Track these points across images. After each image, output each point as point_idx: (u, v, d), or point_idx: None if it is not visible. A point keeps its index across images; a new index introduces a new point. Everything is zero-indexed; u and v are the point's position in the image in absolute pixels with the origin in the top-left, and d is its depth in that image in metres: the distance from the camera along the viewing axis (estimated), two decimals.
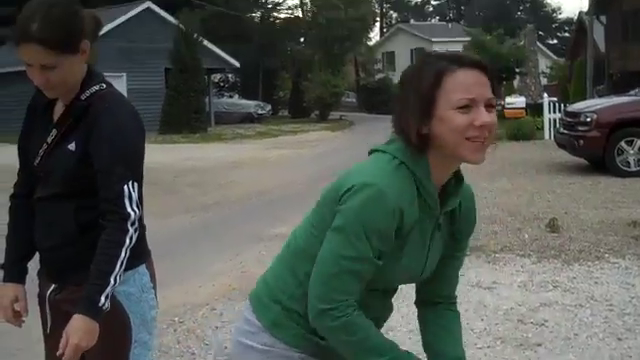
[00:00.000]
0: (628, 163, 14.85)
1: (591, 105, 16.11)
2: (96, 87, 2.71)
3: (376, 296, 2.25)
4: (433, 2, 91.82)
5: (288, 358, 2.24)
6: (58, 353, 2.58)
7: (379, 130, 33.50)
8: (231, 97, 47.94)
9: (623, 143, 14.79)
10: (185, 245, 9.53)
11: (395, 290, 2.37)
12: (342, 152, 23.23)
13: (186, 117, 32.19)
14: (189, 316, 6.29)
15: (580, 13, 49.90)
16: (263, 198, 13.85)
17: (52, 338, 2.80)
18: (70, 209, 2.70)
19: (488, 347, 5.45)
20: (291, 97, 47.92)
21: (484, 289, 6.91)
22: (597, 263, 7.76)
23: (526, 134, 24.22)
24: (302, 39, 51.79)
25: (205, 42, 34.66)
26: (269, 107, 44.36)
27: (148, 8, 35.14)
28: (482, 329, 5.82)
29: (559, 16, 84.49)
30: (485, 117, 2.07)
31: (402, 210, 2.07)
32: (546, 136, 24.28)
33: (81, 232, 2.70)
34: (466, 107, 2.07)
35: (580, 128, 15.14)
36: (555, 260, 7.93)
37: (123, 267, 2.63)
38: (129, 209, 2.63)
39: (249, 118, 40.74)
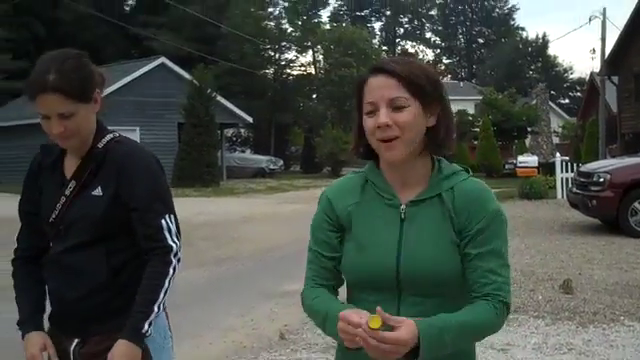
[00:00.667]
0: None
1: (604, 165, 16.09)
2: (110, 135, 2.86)
3: (368, 294, 2.26)
4: (445, 61, 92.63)
5: None
6: None
7: None
8: (243, 152, 48.19)
9: (637, 204, 14.73)
10: (198, 299, 9.48)
11: (390, 291, 2.24)
12: None
13: (199, 171, 32.32)
14: None
15: (592, 73, 50.20)
16: (275, 254, 13.81)
17: None
18: (101, 254, 2.77)
19: None
20: (303, 152, 48.12)
21: (497, 351, 6.82)
22: (612, 326, 7.66)
23: (538, 193, 24.17)
24: (314, 95, 52.17)
25: (219, 97, 34.96)
26: (281, 162, 44.52)
27: (162, 63, 35.55)
28: None
29: (570, 76, 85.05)
30: (382, 118, 2.16)
31: (330, 200, 2.36)
32: (558, 195, 24.20)
33: (113, 276, 2.78)
34: (370, 112, 2.20)
35: (593, 188, 15.10)
36: (569, 322, 7.83)
37: (166, 297, 2.77)
38: (170, 241, 2.79)
39: (261, 173, 40.87)
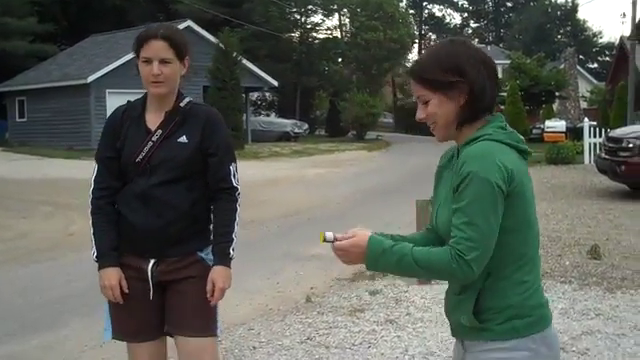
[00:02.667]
0: None
1: (634, 131, 15.90)
2: (188, 98, 3.61)
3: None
4: (472, 25, 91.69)
5: None
6: (208, 296, 3.46)
7: (416, 151, 33.46)
8: (268, 115, 48.12)
9: None
10: None
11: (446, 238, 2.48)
12: (378, 173, 23.18)
13: None
14: (226, 335, 6.25)
15: (621, 38, 49.46)
16: (299, 217, 13.83)
17: (153, 304, 3.52)
18: (184, 189, 3.46)
19: None
20: (328, 116, 47.99)
21: None
22: None
23: (566, 158, 23.98)
24: (340, 59, 51.89)
25: (244, 61, 34.86)
26: (306, 126, 44.42)
27: (188, 26, 35.45)
28: None
29: (600, 40, 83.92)
30: (418, 114, 2.56)
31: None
32: (586, 160, 24.01)
33: (191, 207, 3.47)
34: None
35: (622, 154, 14.95)
36: (597, 287, 7.78)
37: (238, 227, 3.54)
38: (235, 183, 3.57)
39: (286, 137, 40.83)
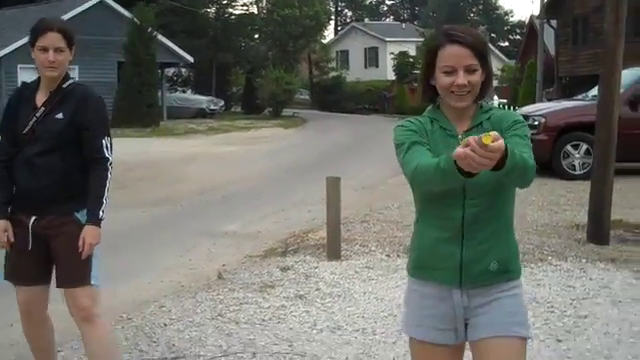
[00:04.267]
0: (574, 166, 15.14)
1: (540, 109, 16.38)
2: (71, 80, 4.27)
3: (439, 198, 2.93)
4: (388, 2, 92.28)
5: None
6: (80, 250, 4.05)
7: (332, 128, 33.72)
8: (184, 92, 47.69)
9: (569, 147, 15.08)
10: (134, 240, 9.54)
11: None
12: (294, 149, 23.31)
13: (138, 111, 31.96)
14: (137, 313, 6.31)
15: (531, 17, 50.51)
16: (215, 194, 13.87)
17: (31, 254, 4.19)
18: (58, 158, 4.10)
19: None
20: (244, 93, 47.83)
21: None
22: (540, 265, 7.91)
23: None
24: (256, 35, 51.68)
25: (159, 36, 34.46)
26: (222, 103, 44.21)
27: (102, 1, 34.83)
28: None
29: (511, 19, 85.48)
30: (461, 79, 2.87)
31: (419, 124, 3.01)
32: None
33: (64, 174, 4.10)
34: (448, 72, 2.90)
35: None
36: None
37: (109, 192, 4.13)
38: (107, 154, 4.16)
39: (201, 113, 40.57)
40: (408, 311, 3.12)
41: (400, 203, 11.78)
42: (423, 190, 2.94)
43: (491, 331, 2.95)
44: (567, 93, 35.86)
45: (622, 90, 15.76)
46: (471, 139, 2.50)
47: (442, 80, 2.91)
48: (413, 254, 3.08)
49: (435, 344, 3.01)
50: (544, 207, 11.68)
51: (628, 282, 7.29)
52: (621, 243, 9.05)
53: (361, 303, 6.58)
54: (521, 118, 2.99)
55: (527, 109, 17.26)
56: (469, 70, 2.88)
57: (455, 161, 2.54)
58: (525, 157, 2.71)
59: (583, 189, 13.56)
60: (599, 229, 8.98)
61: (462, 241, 2.92)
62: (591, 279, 7.42)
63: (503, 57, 61.72)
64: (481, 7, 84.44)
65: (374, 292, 6.92)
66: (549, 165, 15.35)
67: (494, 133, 2.52)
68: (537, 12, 40.43)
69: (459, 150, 2.52)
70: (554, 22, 38.20)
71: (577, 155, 15.11)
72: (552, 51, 39.97)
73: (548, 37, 38.58)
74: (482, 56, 2.90)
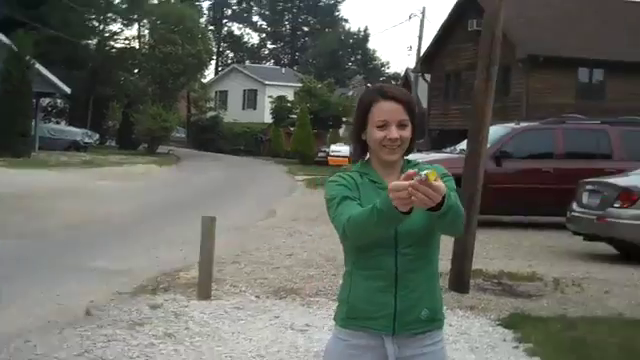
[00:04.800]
0: None
1: (413, 159, 16.91)
2: None
3: (371, 249, 3.02)
4: (270, 46, 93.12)
5: None
6: None
7: (206, 168, 33.75)
8: (58, 123, 46.72)
9: None
10: (0, 273, 9.33)
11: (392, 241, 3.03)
12: (168, 188, 23.23)
13: (10, 140, 31.16)
14: (1, 347, 6.21)
15: (407, 69, 52.17)
16: (85, 229, 13.68)
17: None
18: None
19: None
20: (120, 128, 47.27)
21: (297, 331, 7.18)
22: None
23: None
24: (137, 70, 51.27)
25: (37, 65, 33.80)
26: (97, 136, 43.59)
27: None
28: None
29: (387, 70, 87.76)
30: (394, 134, 3.00)
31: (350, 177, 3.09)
32: None
33: None
34: (382, 127, 3.02)
35: None
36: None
37: None
38: None
39: (75, 146, 39.85)
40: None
41: (270, 245, 11.99)
42: (356, 242, 2.98)
43: None
44: (437, 145, 37.13)
45: (488, 146, 16.67)
46: (411, 172, 2.66)
47: (375, 134, 3.02)
48: (344, 306, 3.10)
49: None
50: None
51: (485, 329, 7.65)
52: (480, 292, 9.46)
53: (229, 343, 6.68)
54: (448, 172, 3.08)
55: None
56: (401, 125, 3.01)
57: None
58: (458, 203, 2.87)
59: (445, 238, 14.13)
60: (460, 278, 9.37)
61: (396, 290, 3.00)
62: (451, 325, 7.73)
63: None
64: (359, 57, 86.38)
65: (243, 332, 7.03)
66: None
67: (437, 171, 2.72)
68: (413, 65, 41.78)
69: (399, 182, 2.66)
70: (428, 76, 39.56)
71: None
72: (425, 104, 41.33)
73: (422, 90, 39.90)
74: (412, 112, 3.05)
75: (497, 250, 12.84)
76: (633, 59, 31.94)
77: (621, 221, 12.12)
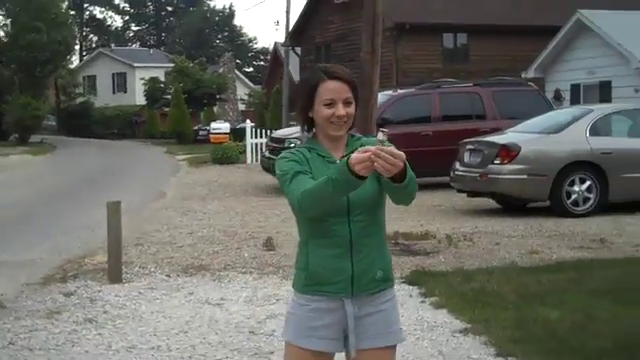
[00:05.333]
0: None
1: (294, 132, 17.21)
2: None
3: (326, 218, 3.24)
4: (134, 28, 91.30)
5: None
6: None
7: (84, 154, 33.11)
8: None
9: None
10: None
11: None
12: (48, 176, 22.71)
13: None
14: None
15: (275, 44, 52.35)
16: None
17: None
18: None
19: (226, 358, 5.91)
20: None
21: (213, 305, 7.37)
22: None
23: (230, 158, 25.18)
24: (1, 60, 49.38)
25: None
26: None
27: None
28: (217, 342, 6.27)
29: (255, 45, 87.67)
30: (340, 111, 3.22)
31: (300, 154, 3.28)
32: (248, 160, 25.31)
33: None
34: (329, 105, 3.23)
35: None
36: (274, 276, 8.57)
37: None
38: None
39: None
40: (296, 324, 3.33)
41: (169, 225, 12.06)
42: (311, 213, 3.16)
43: (380, 342, 3.33)
44: None
45: None
46: (369, 147, 2.93)
47: (324, 112, 3.23)
48: (303, 273, 3.31)
49: (321, 352, 3.30)
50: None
51: None
52: None
53: (151, 322, 6.80)
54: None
55: (281, 132, 18.07)
56: (346, 102, 3.23)
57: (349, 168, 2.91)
58: (413, 174, 3.10)
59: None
60: None
61: (351, 255, 3.24)
62: None
63: (249, 82, 63.24)
64: (226, 34, 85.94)
65: (161, 311, 7.16)
66: None
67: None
68: (281, 39, 42.00)
69: (360, 155, 2.90)
70: (298, 49, 39.85)
71: None
72: (297, 77, 41.68)
73: (293, 64, 40.18)
74: (355, 90, 3.27)
75: (388, 213, 13.25)
76: (493, 22, 33.17)
77: (502, 176, 12.78)
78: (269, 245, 9.98)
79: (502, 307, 7.09)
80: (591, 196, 12.74)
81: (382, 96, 16.94)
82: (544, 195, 12.79)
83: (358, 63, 31.10)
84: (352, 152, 3.10)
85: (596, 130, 13.16)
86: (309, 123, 3.32)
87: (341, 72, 3.29)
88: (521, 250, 9.89)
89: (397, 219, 12.54)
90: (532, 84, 19.26)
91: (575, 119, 13.46)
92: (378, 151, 2.89)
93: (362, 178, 2.95)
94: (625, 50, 18.38)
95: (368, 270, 3.27)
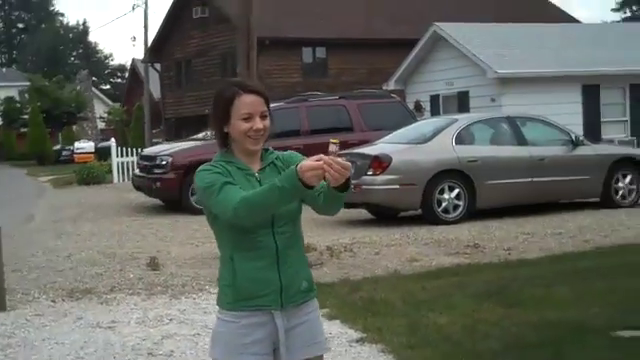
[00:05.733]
0: None
1: (166, 149, 17.09)
2: None
3: (252, 230, 3.28)
4: None
5: None
6: None
7: None
8: None
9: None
10: None
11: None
12: None
13: None
14: None
15: (133, 60, 51.62)
16: None
17: None
18: None
19: None
20: None
21: (105, 329, 7.25)
22: (201, 295, 8.49)
23: (97, 178, 24.61)
24: None
25: None
26: None
27: None
28: None
29: (111, 62, 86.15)
30: (259, 124, 3.27)
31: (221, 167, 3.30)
32: (115, 179, 24.83)
33: None
34: (247, 119, 3.27)
35: (157, 171, 16.07)
36: (163, 295, 8.52)
37: None
38: None
39: None
40: (225, 342, 3.32)
41: (44, 249, 11.76)
42: (248, 221, 3.17)
43: (308, 352, 3.38)
44: (174, 133, 37.32)
45: None
46: (321, 155, 2.99)
47: (241, 126, 3.26)
48: (230, 289, 3.29)
49: None
50: (184, 242, 12.31)
51: None
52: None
53: (44, 350, 6.64)
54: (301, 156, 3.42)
55: (152, 150, 17.87)
56: (263, 116, 3.27)
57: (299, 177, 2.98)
58: None
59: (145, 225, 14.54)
60: None
61: (278, 266, 3.26)
62: None
63: (107, 100, 62.05)
64: (81, 51, 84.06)
65: (52, 337, 6.99)
66: (179, 202, 16.14)
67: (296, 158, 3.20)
68: (139, 55, 41.51)
69: (311, 163, 2.97)
70: (158, 65, 39.53)
71: None
72: (157, 93, 41.32)
73: (153, 80, 39.81)
74: (268, 104, 3.31)
75: None
76: (349, 36, 33.98)
77: (375, 187, 13.10)
78: (153, 265, 9.89)
79: (393, 315, 7.31)
80: (460, 203, 13.27)
81: None
82: (416, 204, 13.21)
83: (218, 79, 31.36)
84: (268, 165, 3.33)
85: (461, 139, 13.72)
86: (224, 138, 3.33)
87: (256, 86, 3.34)
88: (401, 258, 10.20)
89: None
90: (395, 96, 19.86)
91: (441, 129, 13.98)
92: (330, 161, 2.97)
93: (310, 187, 3.02)
94: (481, 61, 19.16)
95: (294, 281, 3.32)
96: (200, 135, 18.68)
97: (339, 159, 2.99)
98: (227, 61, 35.53)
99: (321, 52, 35.28)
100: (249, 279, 3.26)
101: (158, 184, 16.03)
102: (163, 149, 17.20)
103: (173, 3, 37.96)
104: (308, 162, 3.00)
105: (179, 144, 17.86)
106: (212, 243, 11.96)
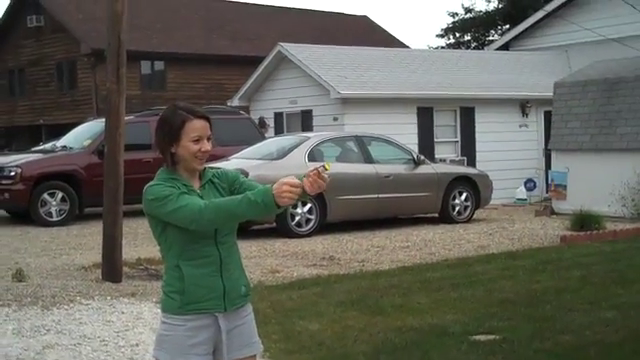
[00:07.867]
0: (51, 213, 16.00)
1: (14, 160, 16.75)
2: None
3: (197, 241, 3.65)
4: None
5: None
6: None
7: None
8: None
9: (46, 195, 15.87)
10: None
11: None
12: None
13: None
14: None
15: None
16: None
17: None
18: None
19: None
20: None
21: None
22: (73, 306, 8.56)
23: None
24: None
25: None
26: None
27: None
28: None
29: None
30: (207, 146, 3.64)
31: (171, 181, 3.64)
32: None
33: None
34: (196, 141, 3.62)
35: (5, 181, 15.80)
36: (34, 307, 8.48)
37: None
38: None
39: None
40: (172, 345, 3.63)
41: None
42: (207, 227, 3.54)
43: (246, 352, 3.77)
44: (5, 143, 36.18)
45: (89, 141, 17.14)
46: (311, 173, 3.33)
47: (191, 148, 3.60)
48: (177, 295, 3.61)
49: None
50: (40, 253, 12.25)
51: (155, 311, 8.27)
52: (131, 279, 10.12)
53: None
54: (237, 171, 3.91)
55: (1, 160, 17.39)
56: (209, 139, 3.65)
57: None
58: None
59: (66, 234, 14.49)
60: (113, 268, 9.97)
61: (221, 273, 3.64)
62: (123, 312, 8.36)
63: None
64: None
65: None
66: (27, 214, 15.93)
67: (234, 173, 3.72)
68: None
69: (293, 180, 3.32)
70: None
71: (54, 203, 15.97)
72: None
73: None
74: (211, 127, 3.68)
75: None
76: (189, 50, 34.18)
77: None
78: (20, 276, 9.85)
79: (265, 322, 7.68)
80: (312, 217, 13.89)
81: (99, 124, 17.02)
82: (271, 218, 13.68)
83: (53, 89, 30.75)
84: (207, 182, 3.71)
85: (313, 156, 14.35)
86: (172, 157, 3.65)
87: (203, 112, 3.69)
88: (263, 270, 10.65)
89: (132, 246, 12.80)
90: (244, 113, 20.32)
91: (295, 146, 14.59)
92: (322, 174, 3.33)
93: (279, 207, 3.37)
94: (325, 82, 19.89)
95: (235, 286, 3.70)
96: (48, 146, 18.42)
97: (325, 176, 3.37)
98: (63, 71, 34.86)
99: (160, 65, 35.20)
100: (197, 285, 3.61)
101: (6, 195, 15.77)
102: (12, 159, 16.82)
103: (6, 10, 36.88)
104: (285, 186, 3.31)
105: (25, 155, 17.52)
106: (69, 255, 12.12)
